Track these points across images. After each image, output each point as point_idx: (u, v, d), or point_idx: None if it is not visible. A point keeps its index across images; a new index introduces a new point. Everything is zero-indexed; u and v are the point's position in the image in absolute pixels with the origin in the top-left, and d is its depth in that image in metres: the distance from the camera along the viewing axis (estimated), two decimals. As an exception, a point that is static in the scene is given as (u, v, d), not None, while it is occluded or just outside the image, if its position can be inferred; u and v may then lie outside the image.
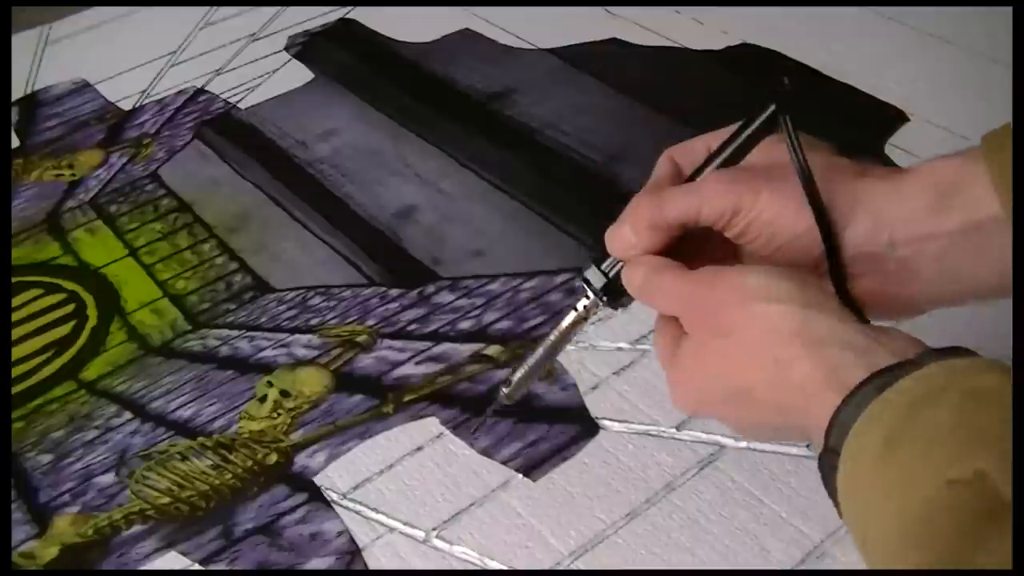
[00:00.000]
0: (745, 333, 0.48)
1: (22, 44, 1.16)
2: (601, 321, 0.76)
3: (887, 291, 0.51)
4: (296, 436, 0.72)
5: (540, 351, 0.58)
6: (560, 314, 0.58)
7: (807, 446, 0.65)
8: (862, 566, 0.43)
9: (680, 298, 0.52)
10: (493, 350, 0.76)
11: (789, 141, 0.51)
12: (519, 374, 0.58)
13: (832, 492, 0.45)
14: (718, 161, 0.54)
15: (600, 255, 0.55)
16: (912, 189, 0.51)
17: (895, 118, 0.93)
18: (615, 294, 0.55)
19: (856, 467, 0.42)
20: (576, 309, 0.56)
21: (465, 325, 0.79)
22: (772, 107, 0.52)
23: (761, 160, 0.53)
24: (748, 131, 0.53)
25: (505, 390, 0.59)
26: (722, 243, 0.54)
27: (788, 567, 0.60)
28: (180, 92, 1.08)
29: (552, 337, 0.57)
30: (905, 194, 0.51)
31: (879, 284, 0.51)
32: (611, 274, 0.54)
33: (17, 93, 1.09)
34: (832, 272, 0.51)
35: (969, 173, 0.50)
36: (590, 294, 0.55)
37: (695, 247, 0.54)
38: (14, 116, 1.06)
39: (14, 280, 0.87)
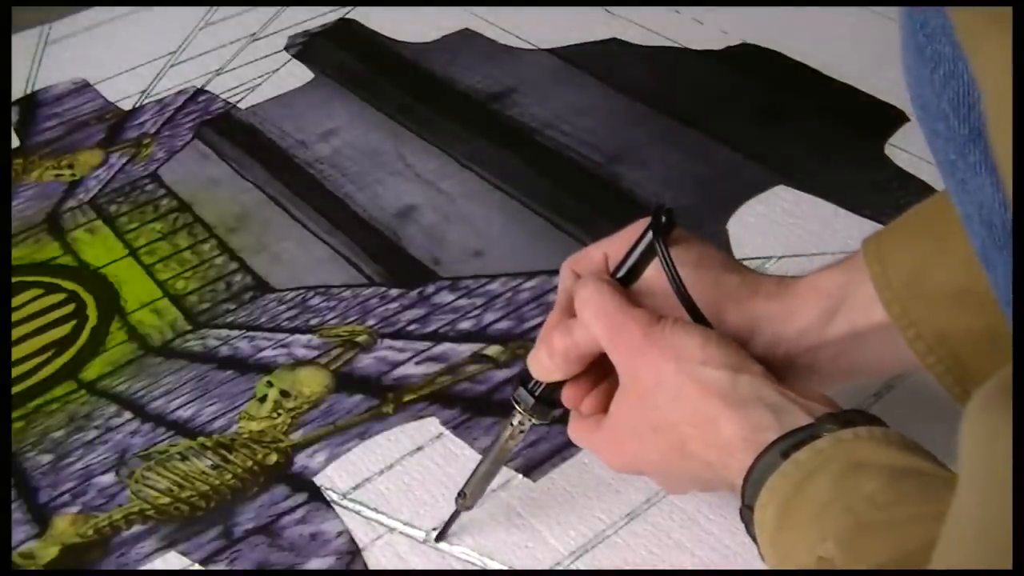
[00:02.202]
0: (680, 391, 0.52)
1: (22, 44, 1.16)
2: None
3: (790, 385, 0.54)
4: (296, 436, 0.72)
5: (486, 463, 0.62)
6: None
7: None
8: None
9: (615, 330, 0.54)
10: (493, 350, 0.76)
11: (665, 269, 0.54)
12: (471, 485, 0.62)
13: (753, 539, 0.49)
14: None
15: (527, 376, 0.58)
16: (801, 307, 0.56)
17: (895, 118, 0.93)
18: (545, 409, 0.59)
19: (761, 535, 0.48)
20: (512, 424, 0.60)
21: (465, 325, 0.79)
22: (650, 235, 0.55)
23: (663, 283, 0.55)
24: (631, 260, 0.57)
25: (462, 501, 0.63)
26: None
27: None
28: (180, 92, 1.08)
29: (495, 450, 0.61)
30: (795, 313, 0.56)
31: (782, 380, 0.54)
32: (537, 394, 0.58)
33: (17, 93, 1.09)
34: None
35: (852, 283, 0.55)
36: (522, 410, 0.59)
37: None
38: (14, 116, 1.07)
39: (14, 280, 0.87)
